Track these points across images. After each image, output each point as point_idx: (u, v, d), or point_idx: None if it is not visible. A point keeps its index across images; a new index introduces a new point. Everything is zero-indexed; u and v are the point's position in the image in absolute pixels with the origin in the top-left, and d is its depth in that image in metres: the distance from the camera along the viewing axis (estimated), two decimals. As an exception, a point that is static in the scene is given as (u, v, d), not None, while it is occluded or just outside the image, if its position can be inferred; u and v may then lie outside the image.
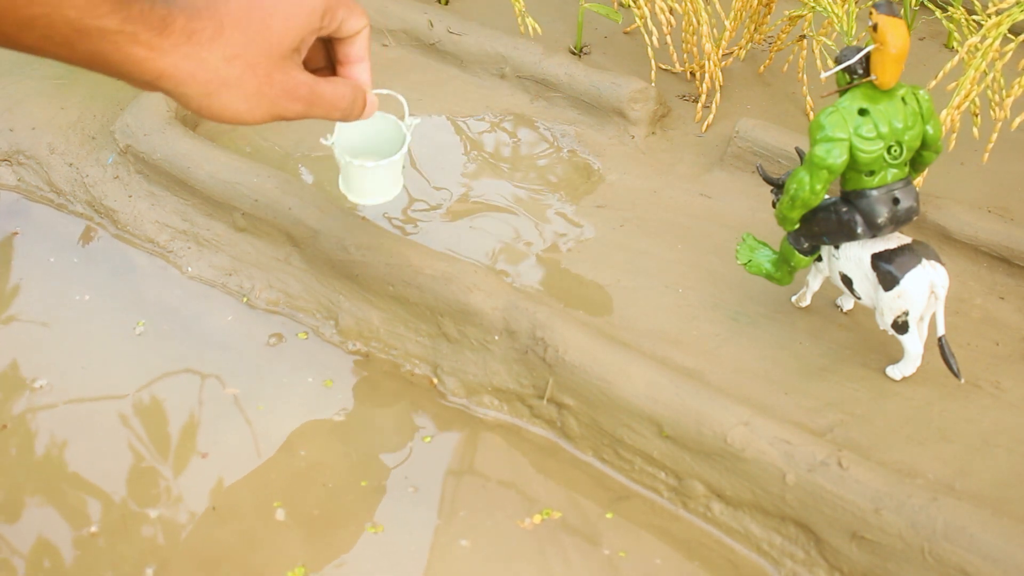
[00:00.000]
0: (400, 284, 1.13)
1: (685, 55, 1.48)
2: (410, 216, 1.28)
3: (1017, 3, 1.18)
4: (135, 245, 1.28)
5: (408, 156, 1.37)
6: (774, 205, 1.11)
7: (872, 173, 1.00)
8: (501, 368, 1.10)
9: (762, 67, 1.50)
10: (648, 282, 1.20)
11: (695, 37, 1.43)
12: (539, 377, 1.08)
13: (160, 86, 0.69)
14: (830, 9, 1.30)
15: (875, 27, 0.96)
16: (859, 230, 1.01)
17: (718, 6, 1.43)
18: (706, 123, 1.41)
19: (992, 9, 1.21)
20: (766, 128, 1.32)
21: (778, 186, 1.10)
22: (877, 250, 1.03)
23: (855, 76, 0.98)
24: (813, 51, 1.44)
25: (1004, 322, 1.16)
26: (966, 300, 1.18)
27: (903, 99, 1.00)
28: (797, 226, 1.06)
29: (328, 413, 1.11)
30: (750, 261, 1.13)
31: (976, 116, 1.26)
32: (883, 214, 1.00)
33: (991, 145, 1.27)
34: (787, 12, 1.43)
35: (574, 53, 1.52)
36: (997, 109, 1.25)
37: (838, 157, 0.98)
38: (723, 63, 1.45)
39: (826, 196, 1.03)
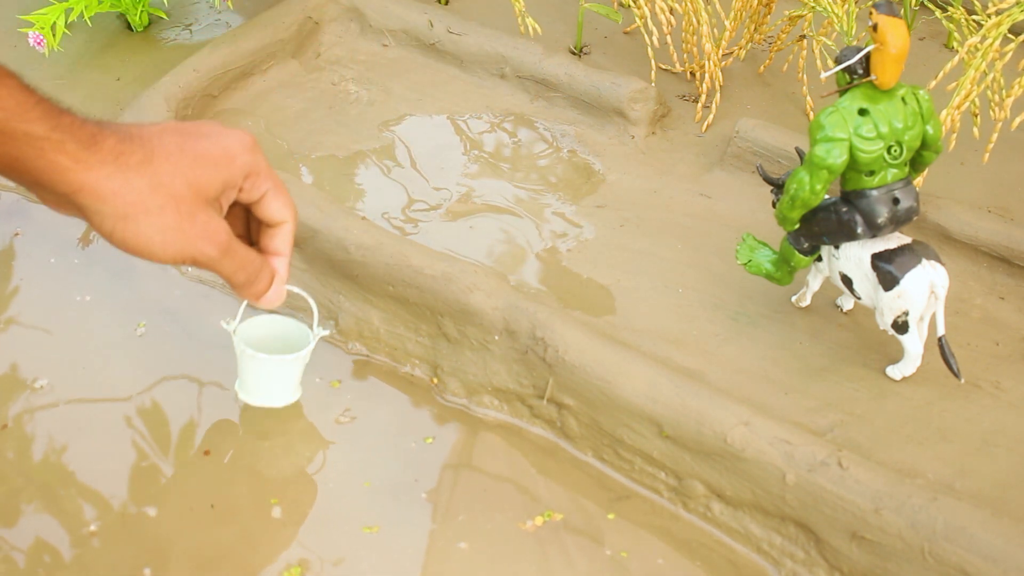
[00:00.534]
0: (400, 284, 1.13)
1: (685, 55, 1.48)
2: (410, 216, 1.28)
3: (1017, 3, 1.18)
4: (135, 245, 1.28)
5: (410, 157, 1.37)
6: (774, 205, 1.11)
7: (872, 173, 1.00)
8: (501, 368, 1.10)
9: (762, 67, 1.50)
10: (648, 282, 1.20)
11: (695, 37, 1.43)
12: (539, 377, 1.08)
13: (76, 200, 0.66)
14: (830, 9, 1.29)
15: (875, 27, 0.96)
16: (859, 230, 1.01)
17: (718, 6, 1.43)
18: (706, 123, 1.41)
19: (992, 9, 1.21)
20: (766, 128, 1.32)
21: (778, 186, 1.10)
22: (877, 250, 1.02)
23: (855, 76, 0.98)
24: (813, 51, 1.44)
25: (1004, 322, 1.16)
26: (966, 300, 1.18)
27: (903, 99, 1.00)
28: (797, 226, 1.06)
29: (328, 413, 1.11)
30: (750, 261, 1.13)
31: (976, 116, 1.26)
32: (883, 214, 1.00)
33: (991, 145, 1.27)
34: (787, 12, 1.43)
35: (574, 53, 1.52)
36: (997, 109, 1.25)
37: (838, 157, 0.98)
38: (723, 63, 1.45)
39: (826, 196, 1.03)
